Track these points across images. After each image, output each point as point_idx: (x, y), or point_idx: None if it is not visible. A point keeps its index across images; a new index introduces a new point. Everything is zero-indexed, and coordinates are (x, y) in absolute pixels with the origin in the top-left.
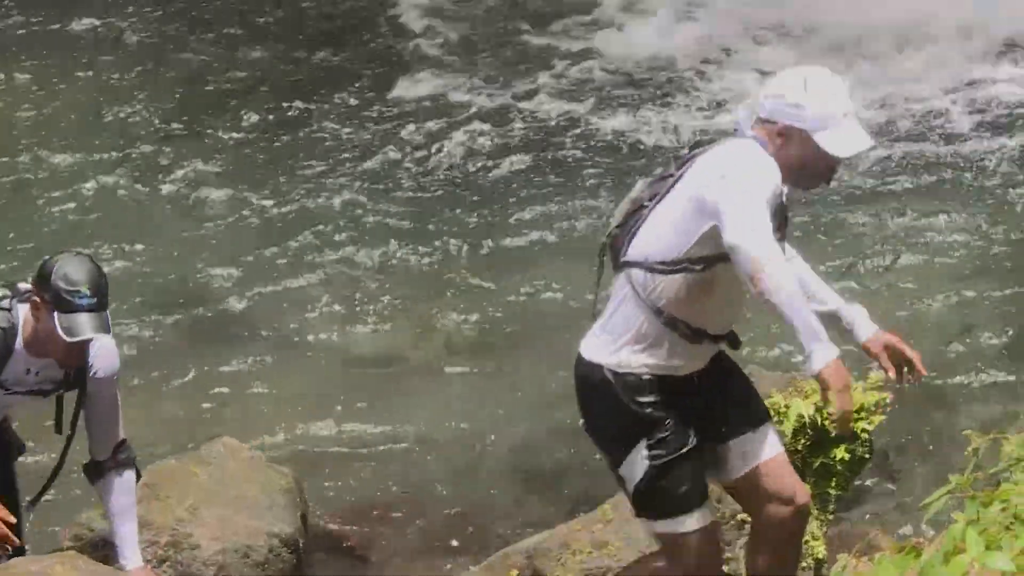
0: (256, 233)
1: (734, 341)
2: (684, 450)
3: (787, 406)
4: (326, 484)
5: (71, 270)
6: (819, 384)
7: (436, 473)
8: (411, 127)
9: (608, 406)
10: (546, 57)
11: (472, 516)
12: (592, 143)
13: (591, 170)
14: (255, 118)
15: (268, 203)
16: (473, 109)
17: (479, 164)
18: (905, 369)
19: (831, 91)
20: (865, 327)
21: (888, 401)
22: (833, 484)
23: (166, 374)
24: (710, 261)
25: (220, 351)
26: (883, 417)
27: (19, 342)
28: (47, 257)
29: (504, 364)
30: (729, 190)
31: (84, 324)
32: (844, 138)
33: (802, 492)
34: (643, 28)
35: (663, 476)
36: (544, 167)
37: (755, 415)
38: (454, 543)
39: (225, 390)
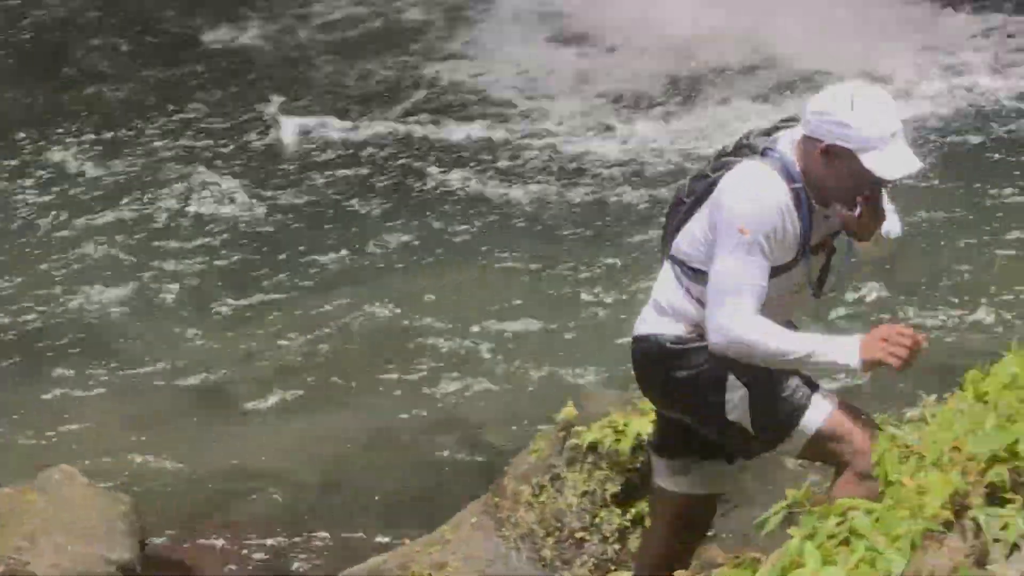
0: (89, 258)
1: None
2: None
3: (625, 424)
4: (164, 509)
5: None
6: (874, 367)
7: (274, 497)
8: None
9: (687, 371)
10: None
11: (311, 539)
12: (434, 163)
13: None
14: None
15: (97, 227)
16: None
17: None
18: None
19: (880, 110)
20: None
21: None
22: None
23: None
24: None
25: (54, 378)
26: None
27: None
28: None
29: (335, 388)
30: (718, 240)
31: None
32: (892, 159)
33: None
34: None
35: (766, 389)
36: (392, 191)
37: None
38: (295, 567)
39: (61, 417)
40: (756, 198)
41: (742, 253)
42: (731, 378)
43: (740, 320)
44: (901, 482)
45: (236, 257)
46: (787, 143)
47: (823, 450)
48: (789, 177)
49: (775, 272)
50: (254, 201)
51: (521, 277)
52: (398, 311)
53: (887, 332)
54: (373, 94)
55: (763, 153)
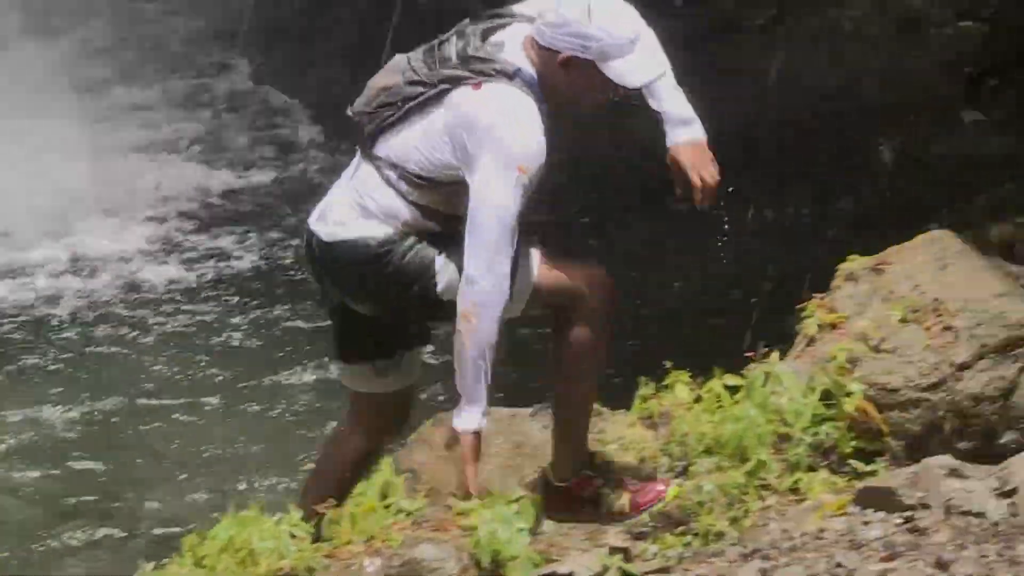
0: None
1: None
2: None
3: None
4: None
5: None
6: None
7: None
8: None
9: (394, 266)
10: None
11: None
12: None
13: None
14: None
15: None
16: None
17: None
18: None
19: (617, 18)
20: (674, 133)
21: None
22: None
23: None
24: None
25: None
26: None
27: None
28: None
29: None
30: (487, 176)
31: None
32: (634, 67)
33: None
34: None
35: None
36: None
37: None
38: None
39: None
40: (530, 135)
41: (518, 193)
42: (439, 258)
43: (499, 277)
44: None
45: None
46: (516, 51)
47: (548, 295)
48: (532, 93)
49: None
50: None
51: None
52: None
53: (465, 457)
54: None
55: (513, 76)
